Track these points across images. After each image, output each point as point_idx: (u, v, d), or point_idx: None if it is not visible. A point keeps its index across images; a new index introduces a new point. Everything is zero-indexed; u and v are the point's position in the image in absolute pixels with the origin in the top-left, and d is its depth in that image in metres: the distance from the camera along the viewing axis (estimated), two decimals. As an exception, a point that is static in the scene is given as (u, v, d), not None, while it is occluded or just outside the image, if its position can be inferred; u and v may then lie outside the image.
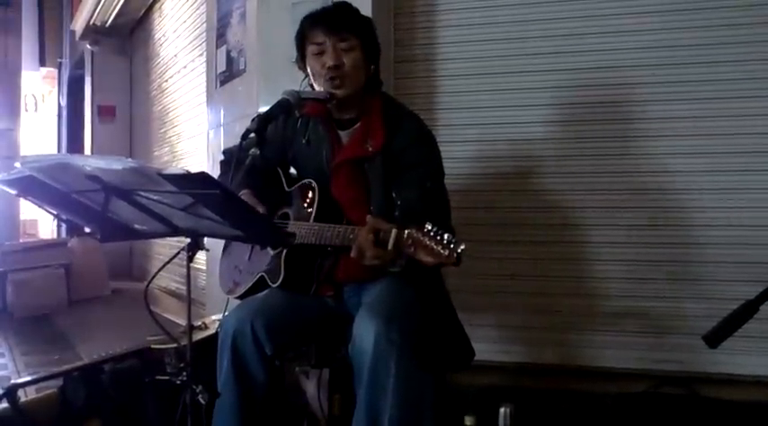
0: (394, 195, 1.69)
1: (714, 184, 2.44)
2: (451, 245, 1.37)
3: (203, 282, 3.50)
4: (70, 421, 2.24)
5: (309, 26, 1.83)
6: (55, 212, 1.57)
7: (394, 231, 1.45)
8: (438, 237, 1.39)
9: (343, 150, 1.86)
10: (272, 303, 1.77)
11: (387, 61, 2.66)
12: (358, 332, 1.60)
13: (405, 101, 2.07)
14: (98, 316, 5.13)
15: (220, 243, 2.04)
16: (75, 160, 1.31)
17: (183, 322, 1.87)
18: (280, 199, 1.90)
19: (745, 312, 1.26)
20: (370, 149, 1.80)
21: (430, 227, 1.40)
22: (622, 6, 2.54)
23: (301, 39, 1.85)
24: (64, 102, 9.84)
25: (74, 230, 6.01)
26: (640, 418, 2.28)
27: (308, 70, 1.85)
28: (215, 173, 2.06)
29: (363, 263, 1.54)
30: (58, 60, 10.17)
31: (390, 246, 1.45)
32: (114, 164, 1.25)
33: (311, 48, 1.81)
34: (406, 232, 1.43)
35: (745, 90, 2.40)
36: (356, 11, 1.86)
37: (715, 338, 1.27)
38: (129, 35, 7.02)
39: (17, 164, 1.35)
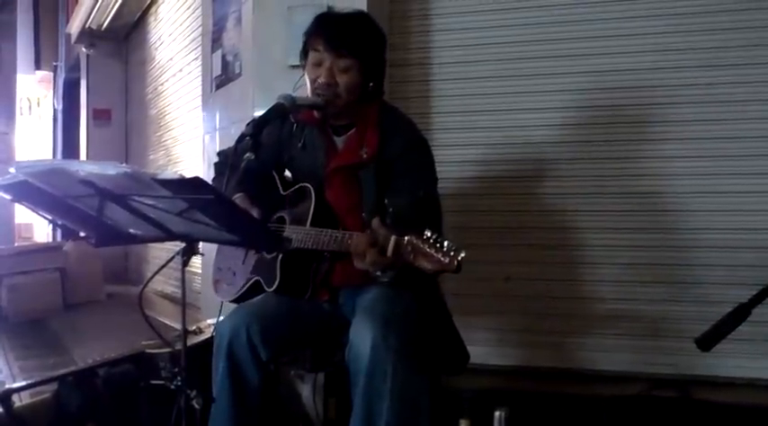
0: (386, 202, 1.69)
1: (707, 188, 2.45)
2: (452, 253, 1.37)
3: (198, 286, 3.49)
4: (65, 426, 2.24)
5: (316, 30, 1.80)
6: (50, 217, 1.57)
7: (393, 237, 1.44)
8: (438, 245, 1.38)
9: (337, 156, 1.86)
10: (268, 308, 1.77)
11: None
12: (355, 336, 1.60)
13: (400, 105, 2.08)
14: (93, 320, 5.09)
15: (215, 247, 2.04)
16: (70, 165, 1.31)
17: (178, 326, 1.87)
18: (275, 203, 1.90)
19: (738, 315, 1.27)
20: (365, 156, 1.80)
21: (429, 234, 1.39)
22: (621, 10, 2.55)
23: (308, 38, 1.82)
24: (59, 106, 9.81)
25: (69, 234, 5.99)
26: (634, 421, 2.28)
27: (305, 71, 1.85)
28: (210, 177, 2.06)
29: (357, 266, 1.54)
30: (54, 63, 10.15)
31: (390, 253, 1.45)
32: (108, 169, 1.25)
33: (312, 54, 1.80)
34: (406, 239, 1.42)
35: (740, 93, 2.42)
36: (366, 26, 1.81)
37: (707, 341, 1.28)
38: (125, 38, 7.01)
39: (11, 169, 1.36)
